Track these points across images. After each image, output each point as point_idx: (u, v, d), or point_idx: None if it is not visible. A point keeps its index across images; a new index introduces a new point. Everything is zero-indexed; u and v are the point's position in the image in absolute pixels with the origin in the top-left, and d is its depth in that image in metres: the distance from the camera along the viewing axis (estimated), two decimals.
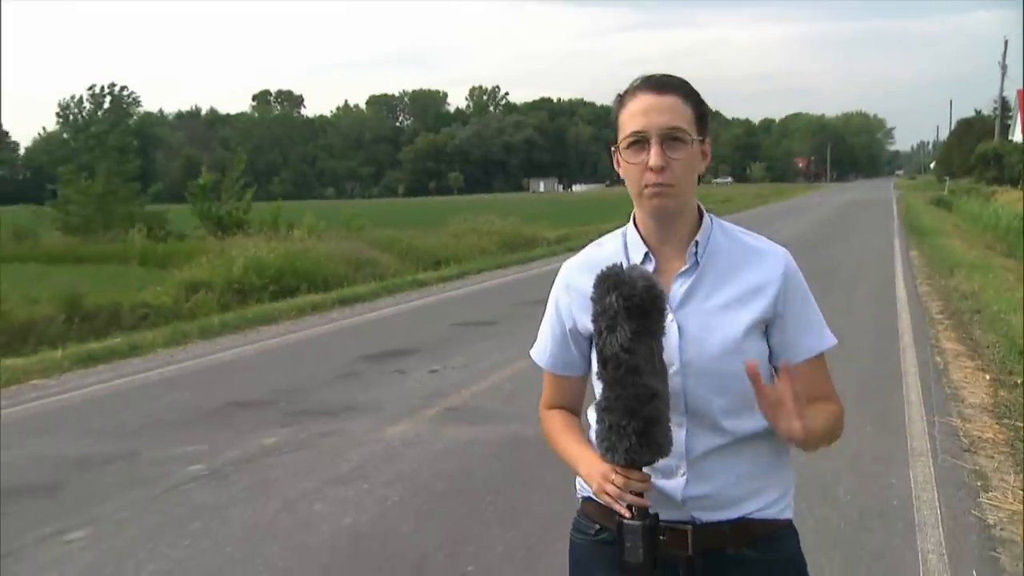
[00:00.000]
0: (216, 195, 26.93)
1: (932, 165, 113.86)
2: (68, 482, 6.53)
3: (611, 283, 1.74)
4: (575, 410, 2.17)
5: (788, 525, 2.02)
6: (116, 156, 29.23)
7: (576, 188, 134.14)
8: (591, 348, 2.01)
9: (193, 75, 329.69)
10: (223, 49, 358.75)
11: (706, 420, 1.89)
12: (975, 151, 59.63)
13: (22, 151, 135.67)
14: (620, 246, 2.01)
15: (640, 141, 1.84)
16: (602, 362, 1.78)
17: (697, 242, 1.92)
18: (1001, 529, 5.16)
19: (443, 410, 7.99)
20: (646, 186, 1.86)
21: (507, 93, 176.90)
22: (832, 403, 2.02)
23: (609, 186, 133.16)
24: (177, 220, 28.52)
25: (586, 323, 1.93)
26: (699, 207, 1.98)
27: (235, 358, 11.42)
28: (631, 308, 1.71)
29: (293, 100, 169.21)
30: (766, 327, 1.95)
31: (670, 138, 1.82)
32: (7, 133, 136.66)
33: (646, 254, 1.94)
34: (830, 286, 15.45)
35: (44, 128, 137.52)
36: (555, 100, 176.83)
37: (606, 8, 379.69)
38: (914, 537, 5.01)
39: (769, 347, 1.97)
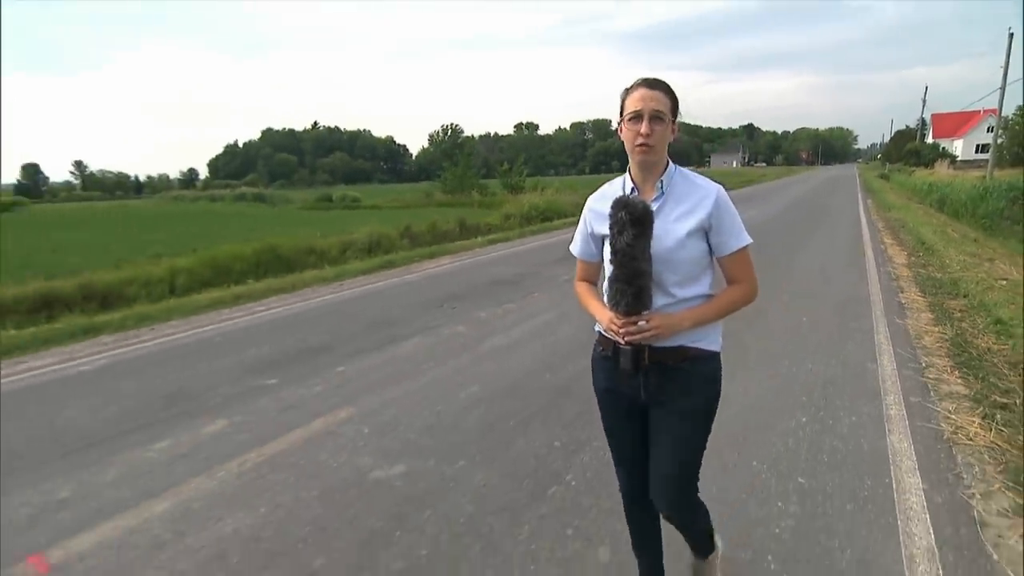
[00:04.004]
0: (509, 174, 27.27)
1: (879, 156, 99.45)
2: (519, 281, 7.35)
3: (622, 204, 1.57)
4: (593, 282, 1.87)
5: (713, 353, 1.69)
6: (467, 157, 30.67)
7: None
8: (602, 246, 1.74)
9: (487, 115, 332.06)
10: (502, 100, 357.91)
11: (661, 287, 1.62)
12: (905, 148, 53.38)
13: (413, 156, 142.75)
14: (620, 184, 1.72)
15: (637, 117, 1.59)
16: (613, 252, 1.59)
17: (662, 181, 1.64)
18: (907, 305, 5.67)
19: None
20: (637, 145, 1.60)
21: None
22: (742, 286, 1.68)
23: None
24: (490, 187, 28.48)
25: (599, 229, 1.70)
26: (669, 161, 1.66)
27: (548, 243, 11.50)
28: (634, 220, 1.54)
29: (533, 126, 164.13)
30: (706, 233, 1.63)
31: (655, 117, 1.58)
32: (408, 149, 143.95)
33: (632, 188, 1.68)
34: (826, 215, 15.00)
35: (422, 145, 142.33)
36: None
37: (689, 72, 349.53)
38: (870, 308, 5.55)
39: (711, 245, 1.65)
